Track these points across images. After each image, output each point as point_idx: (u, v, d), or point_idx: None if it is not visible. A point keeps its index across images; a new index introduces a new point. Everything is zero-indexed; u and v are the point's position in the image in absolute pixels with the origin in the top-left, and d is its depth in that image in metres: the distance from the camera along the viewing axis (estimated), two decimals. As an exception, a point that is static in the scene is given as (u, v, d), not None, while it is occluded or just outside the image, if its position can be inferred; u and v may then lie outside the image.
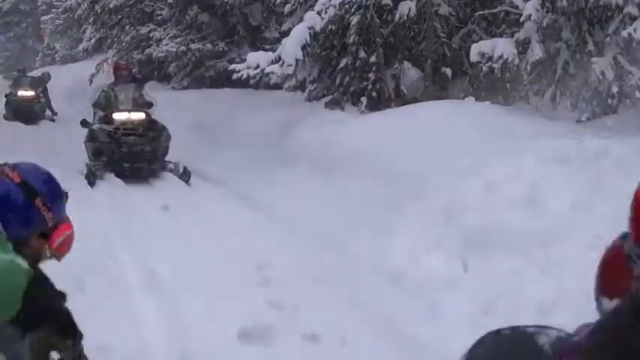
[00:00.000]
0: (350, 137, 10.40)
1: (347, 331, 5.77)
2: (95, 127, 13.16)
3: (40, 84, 23.44)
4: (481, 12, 12.93)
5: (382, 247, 7.26)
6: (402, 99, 13.11)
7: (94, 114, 13.93)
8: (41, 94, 23.24)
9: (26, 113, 22.28)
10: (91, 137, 13.05)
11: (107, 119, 13.18)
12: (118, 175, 12.58)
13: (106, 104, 13.47)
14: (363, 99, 12.99)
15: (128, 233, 8.91)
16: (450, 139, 8.76)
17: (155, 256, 7.69)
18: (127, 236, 8.76)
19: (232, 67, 13.02)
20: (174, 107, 15.64)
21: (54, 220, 2.64)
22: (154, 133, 13.04)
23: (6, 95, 23.40)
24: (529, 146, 7.74)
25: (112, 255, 7.70)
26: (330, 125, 11.43)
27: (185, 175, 12.43)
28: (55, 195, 2.67)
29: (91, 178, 12.10)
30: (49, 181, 2.69)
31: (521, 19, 9.93)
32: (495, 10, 12.32)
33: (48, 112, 23.53)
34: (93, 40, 27.02)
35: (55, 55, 39.65)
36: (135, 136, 12.89)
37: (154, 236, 8.56)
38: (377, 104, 12.96)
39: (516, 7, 10.41)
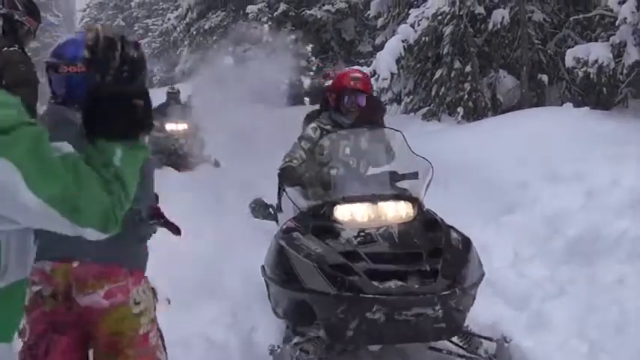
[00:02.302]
0: (448, 148, 10.39)
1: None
2: (297, 240, 5.37)
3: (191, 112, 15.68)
4: (575, 16, 12.82)
5: (484, 258, 7.29)
6: (498, 108, 13.08)
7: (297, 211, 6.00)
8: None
9: (181, 155, 15.31)
10: (285, 276, 5.31)
11: (328, 210, 5.58)
12: None
13: (324, 177, 6.10)
14: (460, 109, 12.99)
15: None
16: (549, 146, 8.72)
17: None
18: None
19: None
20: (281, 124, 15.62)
21: None
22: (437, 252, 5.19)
23: None
24: (630, 151, 7.68)
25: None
26: (427, 137, 11.44)
27: None
28: None
29: None
30: None
31: (617, 22, 9.84)
32: (590, 14, 12.20)
33: (207, 152, 15.66)
34: (189, 62, 27.65)
35: (153, 78, 40.61)
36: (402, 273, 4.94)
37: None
38: (474, 114, 12.95)
39: (611, 11, 10.31)
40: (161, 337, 3.52)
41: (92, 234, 1.92)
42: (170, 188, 8.00)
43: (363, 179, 6.13)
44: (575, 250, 6.61)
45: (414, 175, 6.05)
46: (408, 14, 12.99)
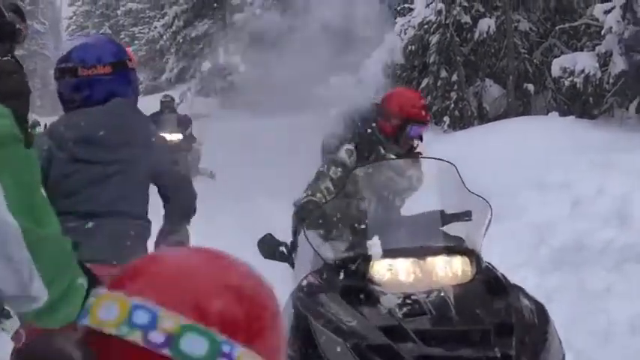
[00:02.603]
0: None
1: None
2: (320, 299, 4.04)
3: (188, 123, 15.41)
4: (561, 26, 12.86)
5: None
6: (485, 117, 13.10)
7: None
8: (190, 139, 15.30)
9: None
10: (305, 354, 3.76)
11: (362, 266, 4.14)
12: None
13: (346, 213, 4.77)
14: (446, 118, 13.00)
15: None
16: (536, 155, 8.73)
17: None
18: None
19: (314, 90, 13.16)
20: (263, 134, 15.67)
21: None
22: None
23: None
24: (617, 160, 7.70)
25: None
26: (413, 146, 11.47)
27: None
28: None
29: None
30: None
31: (603, 31, 9.87)
32: (576, 24, 12.25)
33: (203, 165, 15.78)
34: (175, 70, 27.61)
35: (140, 86, 40.40)
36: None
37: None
38: (460, 123, 12.97)
39: (597, 20, 10.35)
40: None
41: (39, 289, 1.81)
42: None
43: (405, 222, 4.92)
44: (562, 258, 6.61)
45: (467, 215, 4.86)
46: (394, 23, 12.98)
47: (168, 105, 15.34)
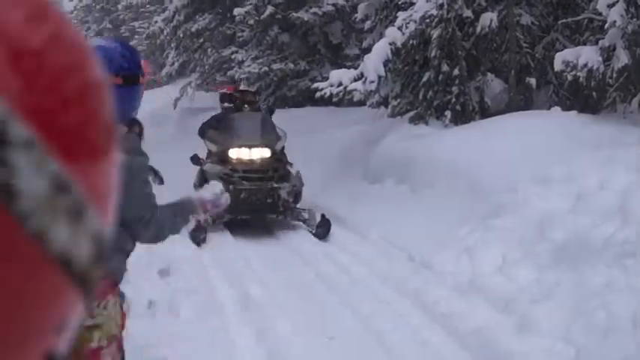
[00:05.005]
0: (436, 151, 10.37)
1: (439, 348, 5.81)
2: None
3: None
4: (564, 20, 12.78)
5: (471, 262, 7.24)
6: (486, 111, 13.03)
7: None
8: None
9: None
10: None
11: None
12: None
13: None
14: (448, 113, 12.92)
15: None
16: (537, 150, 8.69)
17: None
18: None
19: (315, 85, 13.08)
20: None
21: None
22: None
23: None
24: (618, 155, 7.64)
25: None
26: (414, 140, 11.42)
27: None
28: None
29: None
30: None
31: (606, 25, 9.79)
32: (578, 18, 12.16)
33: None
34: (176, 65, 27.53)
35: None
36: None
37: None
38: (461, 117, 12.89)
39: (600, 14, 10.26)
40: (122, 358, 3.41)
41: None
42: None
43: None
44: (563, 253, 6.56)
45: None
46: (395, 17, 12.89)
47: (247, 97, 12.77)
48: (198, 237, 9.26)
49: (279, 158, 10.69)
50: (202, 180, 9.78)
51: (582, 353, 5.14)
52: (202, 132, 11.17)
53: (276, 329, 6.18)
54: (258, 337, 6.12)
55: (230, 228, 10.34)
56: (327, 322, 6.49)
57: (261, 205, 10.15)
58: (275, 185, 10.22)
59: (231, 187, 9.16)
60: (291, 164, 10.80)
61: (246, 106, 11.40)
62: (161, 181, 4.24)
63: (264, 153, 10.48)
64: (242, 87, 15.33)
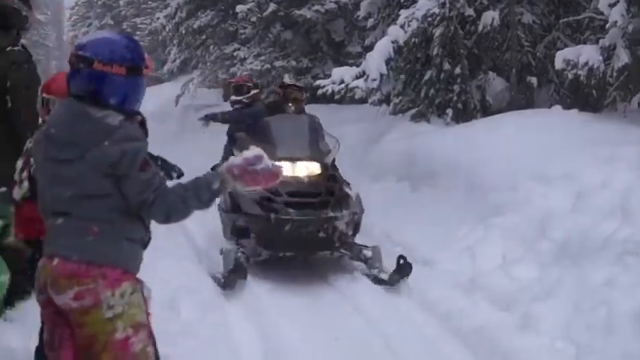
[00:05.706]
0: (437, 149, 10.39)
1: (441, 346, 5.85)
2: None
3: None
4: (565, 19, 12.81)
5: (473, 260, 7.28)
6: (487, 109, 13.06)
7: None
8: None
9: None
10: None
11: None
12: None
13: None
14: (449, 111, 12.95)
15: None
16: (538, 148, 8.71)
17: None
18: None
19: (317, 82, 13.10)
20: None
21: None
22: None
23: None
24: (619, 153, 7.69)
25: None
26: (416, 138, 11.45)
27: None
28: None
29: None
30: None
31: (607, 25, 9.82)
32: (580, 17, 12.19)
33: None
34: (178, 61, 27.52)
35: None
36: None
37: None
38: (463, 115, 12.92)
39: (601, 14, 10.29)
40: (153, 343, 3.39)
41: None
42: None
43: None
44: (564, 251, 6.61)
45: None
46: (398, 15, 12.91)
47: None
48: (232, 279, 7.13)
49: (332, 175, 8.24)
50: (234, 207, 7.90)
51: (583, 351, 5.18)
52: (230, 136, 10.04)
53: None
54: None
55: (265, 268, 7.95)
56: (329, 322, 6.51)
57: (312, 241, 7.56)
58: (331, 214, 7.59)
59: (273, 216, 7.43)
60: (348, 184, 8.28)
61: (290, 105, 9.78)
62: (180, 174, 4.34)
63: (313, 169, 8.12)
64: (287, 80, 13.54)
